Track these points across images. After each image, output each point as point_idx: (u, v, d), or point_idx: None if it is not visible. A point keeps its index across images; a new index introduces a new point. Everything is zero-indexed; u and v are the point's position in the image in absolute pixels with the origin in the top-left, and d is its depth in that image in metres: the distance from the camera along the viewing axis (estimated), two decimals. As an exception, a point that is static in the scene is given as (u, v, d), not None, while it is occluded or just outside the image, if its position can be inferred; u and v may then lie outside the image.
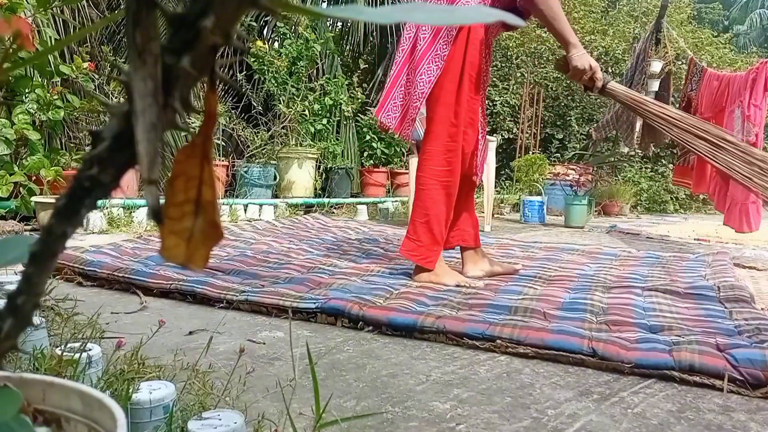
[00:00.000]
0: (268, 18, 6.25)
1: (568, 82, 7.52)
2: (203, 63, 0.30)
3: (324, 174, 5.43)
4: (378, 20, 0.30)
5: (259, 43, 5.39)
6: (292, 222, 3.72)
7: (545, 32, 7.89)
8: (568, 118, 7.48)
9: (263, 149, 5.13)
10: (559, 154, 7.46)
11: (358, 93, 6.04)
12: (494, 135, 6.63)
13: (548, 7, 1.91)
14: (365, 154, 6.05)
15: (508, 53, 7.74)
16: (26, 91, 3.15)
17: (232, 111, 5.56)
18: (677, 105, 4.16)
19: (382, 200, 5.25)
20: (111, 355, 1.03)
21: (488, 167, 4.02)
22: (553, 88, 7.55)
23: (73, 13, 4.36)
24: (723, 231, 3.98)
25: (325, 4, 6.86)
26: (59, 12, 3.68)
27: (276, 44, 5.89)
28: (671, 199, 7.22)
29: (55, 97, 3.26)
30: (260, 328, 1.53)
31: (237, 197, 4.60)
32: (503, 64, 7.73)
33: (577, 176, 5.04)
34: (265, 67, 5.30)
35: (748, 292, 2.00)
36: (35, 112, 3.17)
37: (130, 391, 0.82)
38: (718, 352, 1.29)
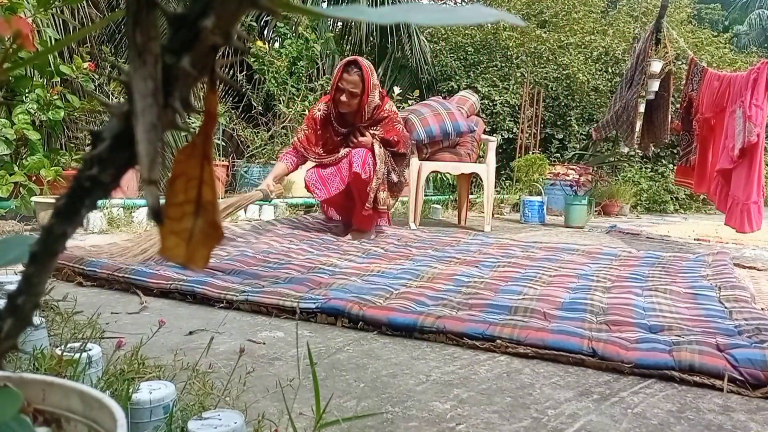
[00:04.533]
0: (268, 18, 6.25)
1: (568, 81, 7.51)
2: (203, 63, 0.30)
3: (324, 174, 5.42)
4: (378, 20, 0.30)
5: (260, 43, 5.40)
6: (292, 222, 3.72)
7: (545, 32, 7.88)
8: (568, 118, 7.48)
9: (263, 149, 5.13)
10: (559, 154, 7.45)
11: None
12: (494, 135, 6.63)
13: None
14: (365, 154, 6.04)
15: (508, 53, 7.73)
16: (26, 91, 3.15)
17: (232, 111, 5.56)
18: (678, 105, 4.17)
19: (382, 200, 5.24)
20: (111, 355, 1.03)
21: (488, 167, 4.02)
22: (553, 88, 7.55)
23: (73, 13, 4.36)
24: (723, 231, 3.99)
25: (325, 4, 6.86)
26: (59, 12, 3.68)
27: (276, 44, 5.89)
28: (671, 199, 7.21)
29: (55, 97, 3.26)
30: (260, 328, 1.53)
31: (237, 197, 4.59)
32: (503, 64, 7.72)
33: (577, 176, 5.03)
34: (266, 67, 5.30)
35: (748, 292, 2.00)
36: (35, 112, 3.17)
37: (130, 391, 0.82)
38: (718, 352, 1.29)
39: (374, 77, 3.07)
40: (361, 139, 3.10)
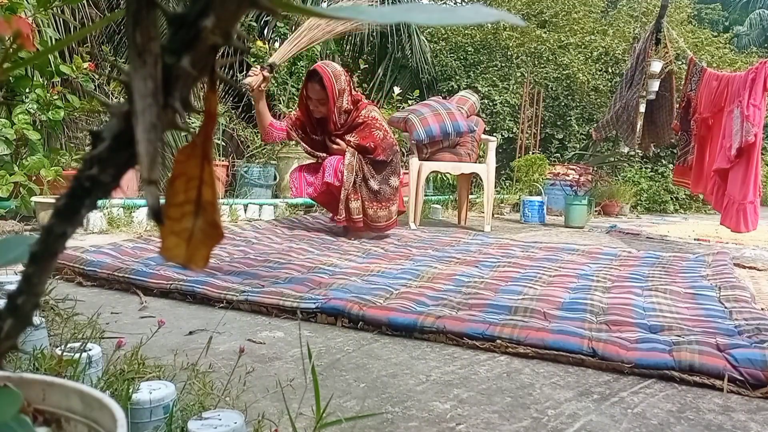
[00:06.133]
0: (268, 18, 6.25)
1: (568, 81, 7.51)
2: (203, 63, 0.30)
3: (324, 174, 5.43)
4: (378, 20, 0.30)
5: (259, 43, 5.39)
6: (292, 222, 3.72)
7: (545, 32, 7.88)
8: (568, 118, 7.48)
9: (263, 149, 5.13)
10: (559, 154, 7.45)
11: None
12: (494, 135, 6.63)
13: None
14: (365, 153, 6.04)
15: (508, 53, 7.73)
16: (26, 91, 3.14)
17: (232, 111, 5.56)
18: (678, 105, 4.17)
19: (382, 200, 5.24)
20: (111, 355, 1.03)
21: (488, 167, 4.02)
22: (553, 88, 7.55)
23: (73, 13, 4.36)
24: (723, 231, 3.98)
25: (325, 4, 6.86)
26: (59, 12, 3.68)
27: (276, 44, 5.88)
28: (671, 199, 7.20)
29: (55, 97, 3.26)
30: (260, 328, 1.53)
31: (237, 197, 4.60)
32: (503, 64, 7.72)
33: (577, 176, 5.03)
34: (265, 67, 5.29)
35: (748, 292, 2.00)
36: (35, 112, 3.17)
37: (130, 391, 0.82)
38: (718, 352, 1.29)
39: (340, 83, 3.05)
40: (335, 147, 3.12)
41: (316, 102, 3.06)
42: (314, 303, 1.62)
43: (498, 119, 7.26)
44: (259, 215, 4.14)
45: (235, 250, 2.56)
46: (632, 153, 6.50)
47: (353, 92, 3.18)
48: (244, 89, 3.00)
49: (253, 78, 2.96)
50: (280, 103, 5.30)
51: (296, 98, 5.32)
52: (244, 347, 1.12)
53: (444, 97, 4.65)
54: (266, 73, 2.96)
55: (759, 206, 3.14)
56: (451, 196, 5.79)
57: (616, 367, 1.28)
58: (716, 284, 2.15)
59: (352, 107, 3.13)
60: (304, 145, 3.20)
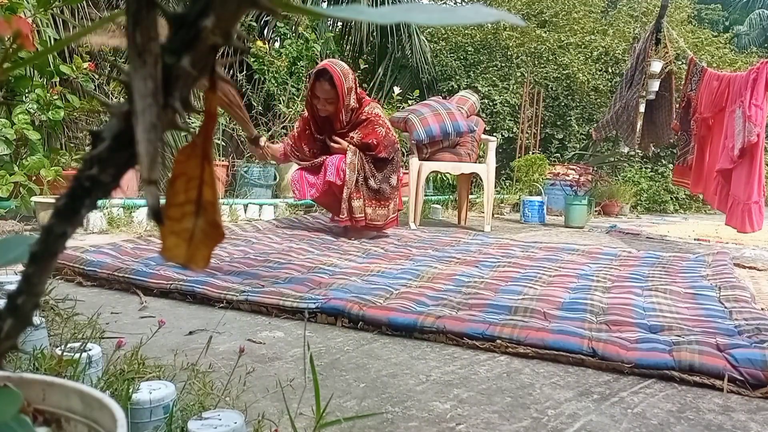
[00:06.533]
0: (268, 18, 6.25)
1: (568, 81, 7.51)
2: (203, 63, 0.30)
3: (324, 174, 5.42)
4: (378, 20, 0.30)
5: (260, 43, 5.39)
6: (292, 222, 3.72)
7: (545, 32, 7.88)
8: (568, 118, 7.47)
9: (263, 149, 5.12)
10: (559, 154, 7.45)
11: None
12: (494, 135, 6.63)
13: None
14: (365, 153, 6.03)
15: (508, 53, 7.73)
16: (26, 91, 3.14)
17: (232, 111, 5.55)
18: (678, 105, 4.16)
19: (382, 200, 5.24)
20: (111, 355, 1.03)
21: (488, 167, 4.02)
22: (553, 88, 7.54)
23: (73, 13, 4.36)
24: (723, 231, 3.98)
25: (325, 4, 6.86)
26: (59, 12, 3.68)
27: (276, 44, 5.89)
28: (671, 199, 7.21)
29: (55, 97, 3.26)
30: (260, 328, 1.53)
31: (237, 197, 4.60)
32: (503, 64, 7.72)
33: (577, 176, 5.03)
34: (265, 67, 5.30)
35: (748, 292, 2.00)
36: (35, 112, 3.17)
37: (130, 391, 0.82)
38: (718, 352, 1.29)
39: (348, 81, 3.03)
40: (335, 146, 3.10)
41: (324, 101, 3.03)
42: (314, 303, 1.62)
43: (498, 119, 7.26)
44: (259, 215, 4.14)
45: (235, 250, 2.56)
46: (632, 153, 6.50)
47: (357, 90, 3.17)
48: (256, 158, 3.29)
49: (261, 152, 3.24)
50: (280, 103, 5.30)
51: (296, 98, 5.33)
52: (244, 347, 1.12)
53: (444, 97, 4.64)
54: (262, 143, 3.19)
55: (763, 206, 3.14)
56: (451, 196, 5.79)
57: (616, 367, 1.28)
58: (716, 284, 2.15)
59: (357, 105, 3.12)
60: (298, 161, 3.21)
